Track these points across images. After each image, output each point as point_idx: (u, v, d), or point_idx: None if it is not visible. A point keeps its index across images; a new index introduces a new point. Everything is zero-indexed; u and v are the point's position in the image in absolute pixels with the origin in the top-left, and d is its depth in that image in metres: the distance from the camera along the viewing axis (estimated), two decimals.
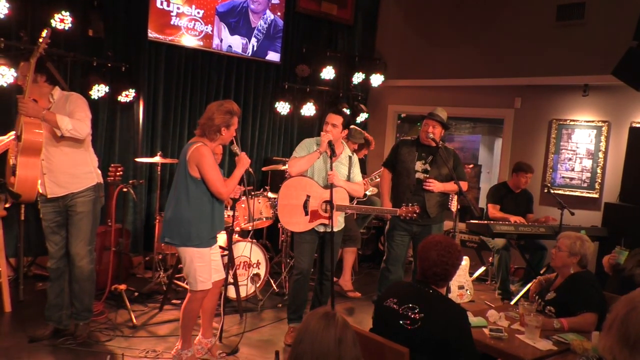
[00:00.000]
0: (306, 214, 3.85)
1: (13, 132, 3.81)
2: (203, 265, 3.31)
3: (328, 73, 6.64)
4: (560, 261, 3.16)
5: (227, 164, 5.96)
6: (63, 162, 3.49)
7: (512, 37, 6.30)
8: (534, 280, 3.64)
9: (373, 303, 4.77)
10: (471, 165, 7.36)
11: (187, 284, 3.44)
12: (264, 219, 4.99)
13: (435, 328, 2.27)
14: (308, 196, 3.85)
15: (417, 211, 3.96)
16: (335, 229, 3.83)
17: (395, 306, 2.41)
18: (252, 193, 4.92)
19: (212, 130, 3.28)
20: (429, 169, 4.32)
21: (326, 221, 3.85)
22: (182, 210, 3.27)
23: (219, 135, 3.31)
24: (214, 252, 3.48)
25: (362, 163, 5.45)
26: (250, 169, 3.49)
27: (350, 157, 4.05)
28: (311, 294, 4.19)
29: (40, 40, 3.30)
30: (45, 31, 3.32)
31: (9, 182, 3.46)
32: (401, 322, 2.34)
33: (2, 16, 4.38)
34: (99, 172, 3.73)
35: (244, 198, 4.67)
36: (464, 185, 4.31)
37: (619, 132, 5.72)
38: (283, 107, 6.44)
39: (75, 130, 3.42)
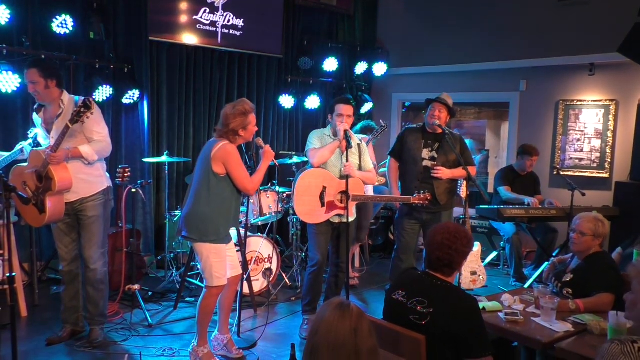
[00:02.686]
0: (322, 205, 3.84)
1: (20, 147, 3.84)
2: (219, 262, 3.34)
3: (330, 64, 6.61)
4: (585, 245, 3.09)
5: None
6: (76, 167, 3.48)
7: (514, 19, 6.23)
8: (549, 262, 3.61)
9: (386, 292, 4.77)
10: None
11: (202, 280, 3.46)
12: (274, 213, 4.98)
13: (444, 321, 2.25)
14: (324, 187, 3.84)
15: (429, 198, 3.98)
16: (350, 219, 3.83)
17: (403, 299, 2.38)
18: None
19: (229, 135, 3.31)
20: (436, 156, 4.30)
21: (341, 212, 3.85)
22: (202, 205, 3.30)
23: (238, 138, 3.34)
24: (229, 248, 3.50)
25: None
26: (275, 161, 3.55)
27: (359, 145, 4.04)
28: (324, 287, 4.19)
29: (84, 109, 3.25)
30: (90, 103, 3.26)
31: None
32: (411, 317, 2.31)
33: (3, 23, 4.39)
34: (108, 175, 3.75)
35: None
36: (472, 170, 4.28)
37: (627, 110, 5.65)
38: (287, 101, 6.43)
39: (101, 155, 3.53)
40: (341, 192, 3.86)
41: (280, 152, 6.39)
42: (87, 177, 3.52)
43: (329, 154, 3.86)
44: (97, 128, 3.50)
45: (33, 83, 3.37)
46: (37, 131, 3.68)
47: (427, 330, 2.25)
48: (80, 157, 3.43)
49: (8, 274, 2.69)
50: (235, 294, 3.71)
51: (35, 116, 3.62)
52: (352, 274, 5.40)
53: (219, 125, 3.37)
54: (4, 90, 4.42)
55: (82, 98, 3.35)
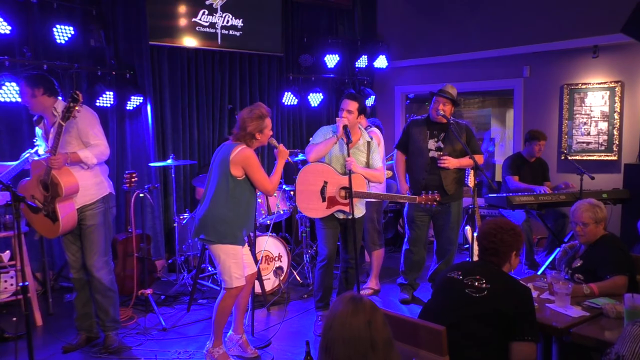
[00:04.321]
0: (323, 200, 3.83)
1: (27, 156, 3.85)
2: (237, 262, 3.36)
3: (331, 60, 6.60)
4: (591, 233, 3.08)
5: None
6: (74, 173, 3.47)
7: (515, 4, 6.19)
8: (560, 249, 3.59)
9: (398, 286, 4.76)
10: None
11: (215, 282, 3.46)
12: (282, 212, 4.98)
13: (500, 299, 2.30)
14: (325, 182, 3.83)
15: (438, 199, 3.87)
16: (355, 215, 3.81)
17: (459, 277, 2.45)
18: None
19: (246, 139, 3.35)
20: (442, 146, 4.28)
21: (344, 208, 3.83)
22: (221, 208, 3.32)
23: (255, 141, 3.39)
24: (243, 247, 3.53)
25: None
26: (289, 159, 3.60)
27: (368, 143, 3.99)
28: (335, 283, 4.18)
29: (73, 104, 3.24)
30: (77, 96, 3.25)
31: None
32: (467, 290, 2.37)
33: (3, 34, 4.40)
34: (110, 181, 3.74)
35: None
36: (479, 158, 4.26)
37: (633, 90, 5.60)
38: (289, 99, 6.42)
39: (100, 159, 3.53)
40: (343, 188, 3.84)
41: None
42: (86, 184, 3.50)
43: (324, 150, 3.84)
44: (93, 131, 3.49)
45: (22, 94, 3.45)
46: (39, 145, 3.65)
47: (480, 304, 2.31)
48: (79, 161, 3.42)
49: (21, 284, 2.71)
50: (250, 291, 3.71)
51: (37, 129, 3.62)
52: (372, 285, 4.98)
53: (235, 129, 3.40)
54: (9, 102, 4.44)
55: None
